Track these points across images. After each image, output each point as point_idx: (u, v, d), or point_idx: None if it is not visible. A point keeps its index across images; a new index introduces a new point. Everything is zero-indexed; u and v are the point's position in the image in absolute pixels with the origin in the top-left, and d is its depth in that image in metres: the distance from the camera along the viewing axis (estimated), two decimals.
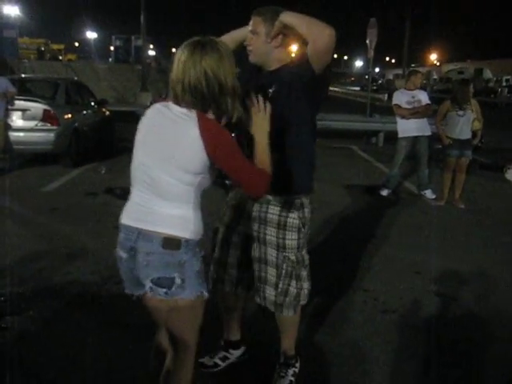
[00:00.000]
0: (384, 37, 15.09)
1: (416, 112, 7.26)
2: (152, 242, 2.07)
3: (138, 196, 2.15)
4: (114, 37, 35.26)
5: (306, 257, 2.81)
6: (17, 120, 8.30)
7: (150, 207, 2.11)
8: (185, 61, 2.03)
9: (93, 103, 10.50)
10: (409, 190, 8.20)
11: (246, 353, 3.19)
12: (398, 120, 7.47)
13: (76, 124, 9.05)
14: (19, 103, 8.27)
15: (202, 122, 2.02)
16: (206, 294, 2.19)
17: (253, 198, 2.41)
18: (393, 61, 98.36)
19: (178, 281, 2.08)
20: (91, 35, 58.94)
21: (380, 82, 39.56)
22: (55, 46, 47.58)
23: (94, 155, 9.50)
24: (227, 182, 2.88)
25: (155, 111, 2.17)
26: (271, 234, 2.71)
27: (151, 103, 2.54)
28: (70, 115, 8.93)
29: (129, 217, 2.16)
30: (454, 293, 4.30)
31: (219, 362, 3.12)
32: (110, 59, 37.10)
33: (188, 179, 2.07)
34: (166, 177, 2.06)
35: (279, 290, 2.73)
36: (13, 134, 8.23)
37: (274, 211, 2.70)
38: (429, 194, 7.59)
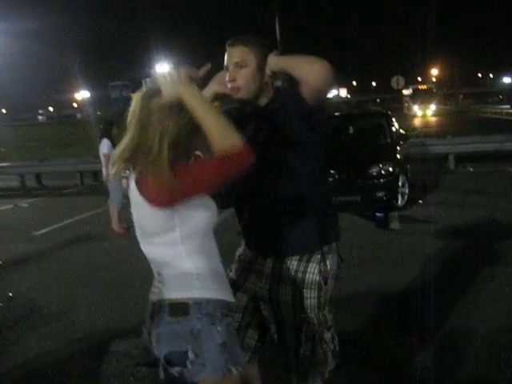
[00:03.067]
0: None
1: None
2: (161, 311, 1.81)
3: (153, 273, 1.96)
4: None
5: (329, 317, 2.40)
6: None
7: (158, 279, 1.89)
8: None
9: None
10: None
11: None
12: None
13: None
14: None
15: (138, 183, 1.77)
16: (237, 371, 1.80)
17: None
18: None
19: (191, 355, 1.73)
20: None
21: None
22: None
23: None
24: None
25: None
26: (286, 293, 2.30)
27: None
28: None
29: (152, 291, 1.95)
30: None
31: None
32: None
33: (169, 239, 1.79)
34: (154, 248, 1.85)
35: (301, 355, 2.35)
36: None
37: (289, 266, 2.31)
38: None
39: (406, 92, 49.49)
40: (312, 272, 2.29)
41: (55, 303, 5.12)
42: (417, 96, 47.04)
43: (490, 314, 4.10)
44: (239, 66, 2.18)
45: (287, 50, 25.64)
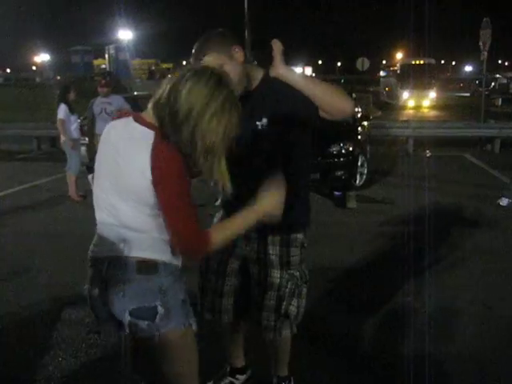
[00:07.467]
0: (495, 38, 14.26)
1: None
2: (125, 268, 1.83)
3: (104, 225, 1.92)
4: None
5: (307, 271, 2.57)
6: None
7: (118, 236, 1.86)
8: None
9: None
10: None
11: (251, 376, 3.04)
12: None
13: None
14: None
15: (156, 145, 1.72)
16: (194, 326, 1.94)
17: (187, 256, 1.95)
18: (506, 63, 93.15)
19: (160, 310, 1.82)
20: None
21: (492, 85, 37.36)
22: (164, 65, 49.99)
23: None
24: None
25: (114, 128, 1.89)
26: (274, 253, 2.46)
27: None
28: None
29: (97, 248, 1.95)
30: None
31: None
32: None
33: (149, 211, 1.80)
34: (128, 207, 1.81)
35: (281, 311, 2.49)
36: None
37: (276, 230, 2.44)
38: None
39: (383, 73, 38.30)
40: (297, 231, 2.48)
41: (8, 269, 5.03)
42: (407, 76, 29.01)
43: (430, 292, 4.24)
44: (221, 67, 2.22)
45: (254, 29, 25.47)
